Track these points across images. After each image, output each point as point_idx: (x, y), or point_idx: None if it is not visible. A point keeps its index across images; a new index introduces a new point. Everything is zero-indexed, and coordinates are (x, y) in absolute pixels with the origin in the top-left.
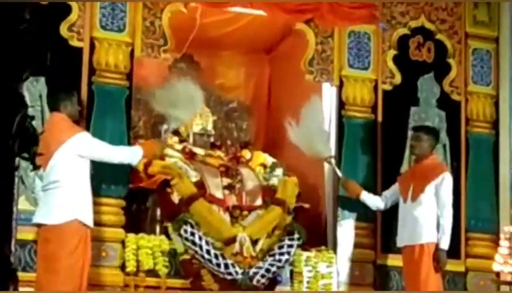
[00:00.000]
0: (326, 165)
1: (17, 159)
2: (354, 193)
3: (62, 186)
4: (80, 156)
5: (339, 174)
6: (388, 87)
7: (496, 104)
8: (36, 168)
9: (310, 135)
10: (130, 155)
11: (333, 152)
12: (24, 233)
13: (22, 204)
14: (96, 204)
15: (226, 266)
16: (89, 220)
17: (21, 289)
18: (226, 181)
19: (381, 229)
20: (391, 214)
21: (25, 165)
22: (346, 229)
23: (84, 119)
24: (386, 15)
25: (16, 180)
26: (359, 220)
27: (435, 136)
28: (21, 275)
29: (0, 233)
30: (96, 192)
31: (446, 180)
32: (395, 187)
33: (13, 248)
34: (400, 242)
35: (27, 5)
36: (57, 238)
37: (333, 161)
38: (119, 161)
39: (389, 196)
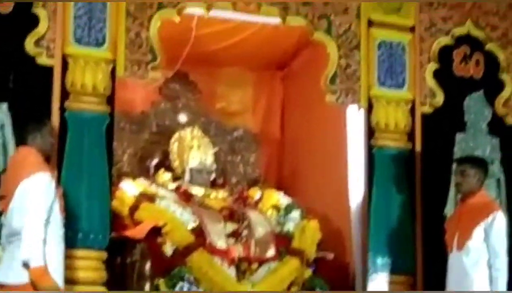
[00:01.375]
0: (352, 206)
1: None
2: None
3: None
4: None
5: None
6: (428, 109)
7: None
8: None
9: None
10: (29, 254)
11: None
12: None
13: None
14: (70, 257)
15: None
16: (58, 279)
17: None
18: (230, 227)
19: (423, 283)
20: (433, 263)
21: None
22: (379, 284)
23: (55, 156)
24: (424, 21)
25: None
26: (394, 272)
27: (484, 169)
28: None
29: None
30: (71, 242)
31: (497, 221)
32: None
33: None
34: None
35: None
36: None
37: None
38: (23, 242)
39: None
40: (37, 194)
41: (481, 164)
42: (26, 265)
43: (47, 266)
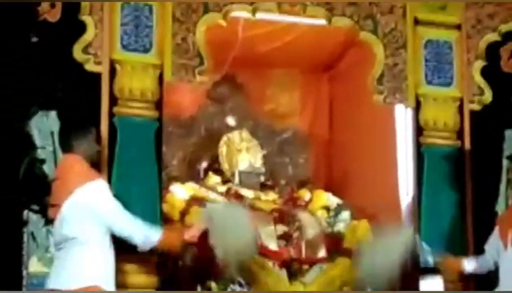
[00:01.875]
0: (403, 205)
1: (25, 212)
2: (454, 270)
3: (77, 244)
4: (92, 211)
5: (428, 250)
6: (476, 107)
7: None
8: (48, 221)
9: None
10: (144, 235)
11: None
12: None
13: (33, 265)
14: (121, 261)
15: None
16: (109, 285)
17: None
18: (281, 229)
19: (475, 281)
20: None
21: (36, 219)
22: (430, 283)
23: (105, 161)
24: (471, 19)
25: (26, 237)
26: (446, 280)
27: None
28: None
29: None
30: (122, 247)
31: None
32: (496, 233)
33: None
34: None
35: (34, 25)
36: None
37: (416, 237)
38: (127, 236)
39: (494, 247)
40: (106, 198)
41: None
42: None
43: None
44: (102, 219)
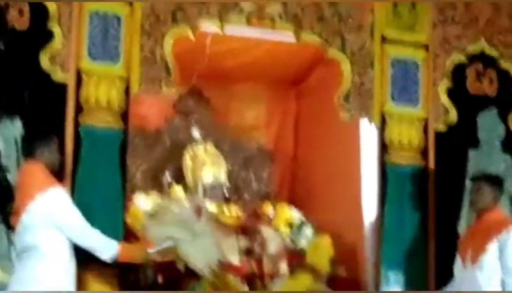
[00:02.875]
0: (365, 222)
1: None
2: None
3: (38, 253)
4: (53, 220)
5: None
6: (441, 127)
7: None
8: (10, 229)
9: None
10: (103, 246)
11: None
12: None
13: None
14: (83, 273)
15: None
16: None
17: None
18: (243, 243)
19: None
20: (447, 281)
21: None
22: None
23: (68, 170)
24: (438, 39)
25: None
26: (407, 288)
27: (499, 186)
28: None
29: None
30: (84, 258)
31: None
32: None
33: None
34: None
35: (2, 33)
36: None
37: None
38: (87, 246)
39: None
40: (65, 207)
41: (496, 181)
42: (111, 258)
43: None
44: (60, 227)
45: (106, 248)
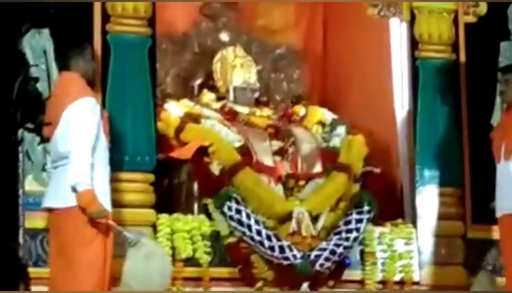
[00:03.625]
0: (398, 119)
1: (20, 131)
2: None
3: None
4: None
5: None
6: (471, 19)
7: None
8: (44, 140)
9: None
10: (78, 178)
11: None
12: (33, 220)
13: (29, 184)
14: (118, 180)
15: (282, 249)
16: (105, 202)
17: (33, 288)
18: (276, 144)
19: (471, 195)
20: (482, 175)
21: (31, 137)
22: (427, 197)
23: (99, 79)
24: None
25: (21, 156)
26: (443, 185)
27: None
28: (32, 271)
29: (5, 221)
30: (118, 165)
31: None
32: None
33: (21, 240)
34: (498, 210)
35: None
36: (69, 226)
37: None
38: (72, 162)
39: None
40: (84, 119)
41: None
42: (74, 189)
43: (94, 190)
44: (68, 132)
45: (82, 175)
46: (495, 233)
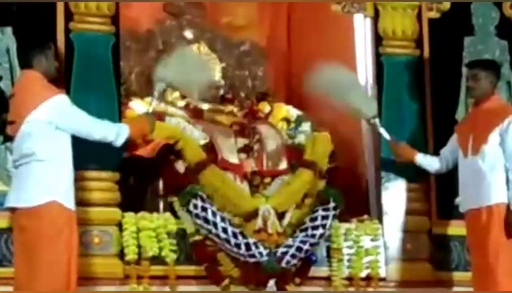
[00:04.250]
0: None
1: None
2: (407, 157)
3: (36, 160)
4: (55, 125)
5: (387, 136)
6: (435, 14)
7: None
8: (6, 139)
9: (344, 89)
10: (114, 132)
11: (375, 108)
12: None
13: None
14: (83, 179)
15: (248, 246)
16: (69, 201)
17: None
18: (241, 141)
19: (436, 190)
20: (447, 170)
21: None
22: (393, 193)
23: (62, 77)
24: None
25: None
26: (408, 181)
27: (496, 71)
28: None
29: None
30: (83, 164)
31: None
32: (453, 140)
33: None
34: (463, 205)
35: None
36: (33, 225)
37: (377, 120)
38: (100, 138)
39: (449, 153)
40: (71, 109)
41: (492, 66)
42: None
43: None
44: (70, 130)
45: (118, 132)
46: (461, 228)
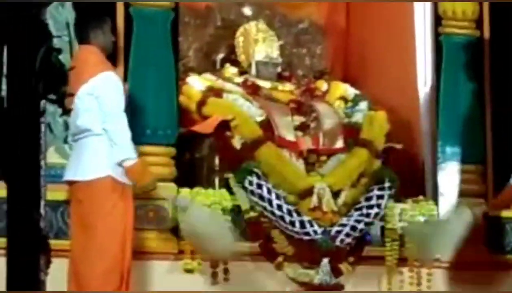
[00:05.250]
0: (421, 95)
1: (42, 102)
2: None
3: (93, 135)
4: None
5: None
6: None
7: None
8: (66, 112)
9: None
10: (126, 147)
11: None
12: (55, 192)
13: (51, 156)
14: (139, 154)
15: (302, 224)
16: (125, 177)
17: (54, 260)
18: (298, 119)
19: (493, 173)
20: (504, 153)
21: (53, 109)
22: (449, 174)
23: (121, 52)
24: None
25: (43, 127)
26: (465, 162)
27: None
28: (53, 243)
29: (26, 192)
30: (139, 139)
31: None
32: None
33: (42, 211)
34: None
35: None
36: (89, 198)
37: None
38: (113, 138)
39: None
40: (111, 95)
41: None
42: (121, 165)
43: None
44: (101, 111)
45: (128, 150)
46: None
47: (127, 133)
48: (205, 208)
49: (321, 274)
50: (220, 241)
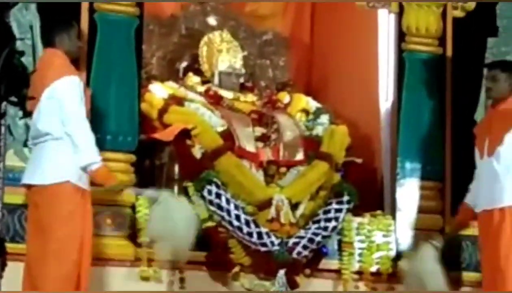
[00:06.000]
0: (382, 111)
1: (3, 104)
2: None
3: (52, 139)
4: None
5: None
6: (459, 13)
7: None
8: (26, 114)
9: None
10: (90, 151)
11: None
12: (12, 195)
13: (10, 159)
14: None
15: (260, 235)
16: (84, 182)
17: (9, 263)
18: (259, 130)
19: (451, 189)
20: (463, 170)
21: (14, 111)
22: (408, 190)
23: (84, 57)
24: None
25: (3, 129)
26: (423, 178)
27: None
28: (9, 246)
29: None
30: (100, 144)
31: None
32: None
33: None
34: (477, 206)
35: None
36: (47, 203)
37: None
38: (77, 143)
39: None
40: (73, 98)
41: None
42: (85, 170)
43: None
44: (63, 114)
45: (92, 154)
46: (473, 228)
47: (91, 137)
48: (173, 196)
49: (277, 285)
50: (186, 231)
